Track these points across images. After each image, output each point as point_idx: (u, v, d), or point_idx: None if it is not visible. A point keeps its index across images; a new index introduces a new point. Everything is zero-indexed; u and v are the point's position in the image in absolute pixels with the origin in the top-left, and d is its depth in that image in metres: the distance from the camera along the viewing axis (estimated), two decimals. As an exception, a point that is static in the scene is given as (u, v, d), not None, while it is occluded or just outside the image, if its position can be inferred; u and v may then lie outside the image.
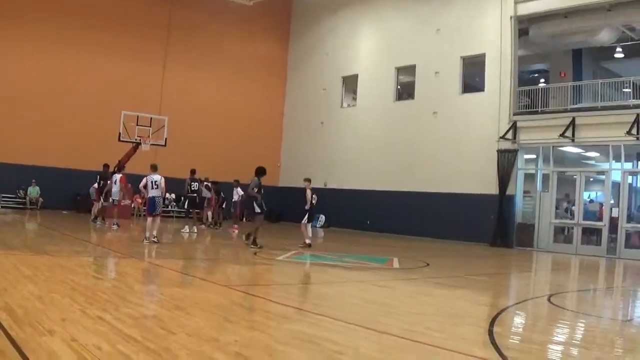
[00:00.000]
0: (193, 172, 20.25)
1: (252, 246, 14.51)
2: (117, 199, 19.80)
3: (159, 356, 4.38)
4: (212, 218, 23.03)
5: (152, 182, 14.78)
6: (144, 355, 4.36)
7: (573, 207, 22.20)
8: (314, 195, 16.31)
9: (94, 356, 4.24)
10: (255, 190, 14.80)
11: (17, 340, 4.51)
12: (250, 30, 33.30)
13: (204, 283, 9.13)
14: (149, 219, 14.79)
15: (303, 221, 16.19)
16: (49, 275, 8.15)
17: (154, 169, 15.21)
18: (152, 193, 14.81)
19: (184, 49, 30.53)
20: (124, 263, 10.98)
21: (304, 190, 16.48)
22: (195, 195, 20.05)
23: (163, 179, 14.93)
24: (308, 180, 16.84)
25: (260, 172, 15.12)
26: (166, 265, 10.56)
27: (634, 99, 20.60)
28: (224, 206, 22.97)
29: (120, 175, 20.11)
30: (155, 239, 14.45)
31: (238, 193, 22.25)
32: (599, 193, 24.80)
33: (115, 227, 18.90)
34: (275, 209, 32.66)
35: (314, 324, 6.27)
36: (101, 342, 4.62)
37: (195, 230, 19.45)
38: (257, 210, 14.93)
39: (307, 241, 15.97)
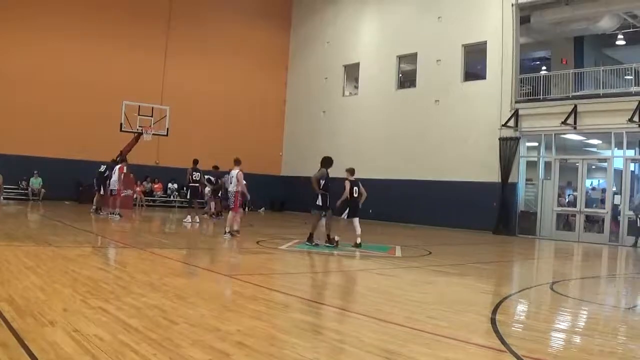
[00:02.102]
0: (195, 162, 20.22)
1: (306, 243, 13.52)
2: (115, 188, 19.78)
3: (161, 346, 4.38)
4: (215, 208, 23.02)
5: (230, 177, 15.03)
6: (146, 346, 4.36)
7: (575, 193, 22.23)
8: (355, 188, 14.10)
9: (96, 346, 4.23)
10: (322, 182, 13.54)
11: (19, 331, 4.50)
12: (252, 18, 33.22)
13: (206, 272, 9.13)
14: (230, 213, 15.05)
15: (343, 216, 14.08)
16: (51, 266, 8.16)
17: (235, 163, 15.26)
18: (230, 188, 15.03)
19: (185, 38, 30.44)
20: (126, 253, 11.00)
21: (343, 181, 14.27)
22: (197, 185, 20.02)
23: (239, 173, 14.92)
24: (349, 170, 14.34)
25: (328, 162, 13.88)
26: (168, 255, 10.57)
27: (635, 86, 20.55)
28: (219, 194, 22.83)
29: (120, 165, 20.07)
30: (231, 232, 14.64)
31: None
32: (601, 180, 24.77)
33: (117, 217, 18.92)
34: (279, 198, 32.82)
35: (316, 313, 6.27)
36: (103, 333, 4.62)
37: (198, 220, 19.45)
38: (319, 203, 13.55)
39: (358, 240, 13.65)
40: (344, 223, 14.10)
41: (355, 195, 14.07)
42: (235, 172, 14.95)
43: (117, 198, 19.89)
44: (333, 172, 14.15)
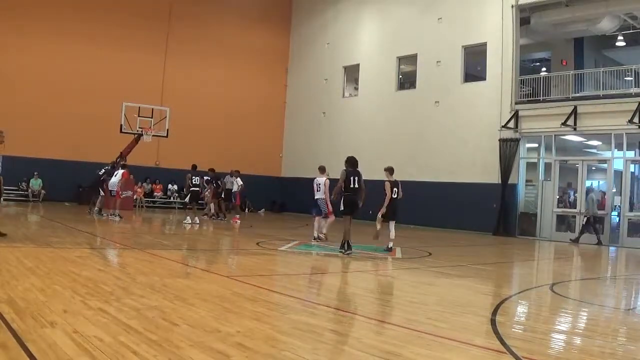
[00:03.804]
0: (194, 167, 20.21)
1: (345, 251, 12.49)
2: (114, 189, 19.80)
3: (161, 347, 4.37)
4: (215, 209, 23.00)
5: (316, 184, 14.94)
6: (146, 347, 4.35)
7: (576, 194, 22.22)
8: (395, 189, 13.67)
9: (96, 347, 4.23)
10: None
11: (19, 332, 4.50)
12: (252, 19, 33.24)
13: (206, 274, 9.12)
14: (316, 219, 15.04)
15: (379, 217, 13.71)
16: (51, 267, 8.15)
17: (320, 170, 15.25)
18: (316, 195, 14.89)
19: (185, 40, 30.44)
20: (126, 254, 10.99)
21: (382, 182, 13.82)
22: (198, 189, 19.97)
23: (326, 180, 14.89)
24: (388, 169, 14.07)
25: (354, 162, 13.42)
26: (168, 256, 10.56)
27: (635, 87, 20.55)
28: (223, 196, 22.81)
29: (123, 171, 20.11)
30: (320, 237, 14.73)
31: (237, 183, 22.22)
32: (601, 182, 24.76)
33: (117, 218, 18.95)
34: (279, 199, 32.81)
35: (316, 314, 6.26)
36: (102, 334, 4.62)
37: (197, 222, 19.44)
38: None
39: (390, 245, 13.54)
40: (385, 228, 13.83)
41: (395, 196, 13.71)
42: (322, 179, 14.87)
43: (116, 199, 19.92)
44: (335, 174, 14.16)
